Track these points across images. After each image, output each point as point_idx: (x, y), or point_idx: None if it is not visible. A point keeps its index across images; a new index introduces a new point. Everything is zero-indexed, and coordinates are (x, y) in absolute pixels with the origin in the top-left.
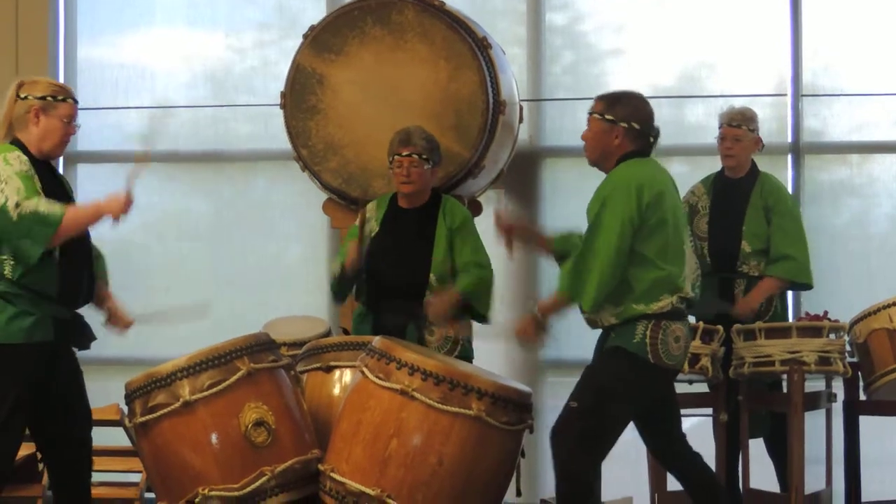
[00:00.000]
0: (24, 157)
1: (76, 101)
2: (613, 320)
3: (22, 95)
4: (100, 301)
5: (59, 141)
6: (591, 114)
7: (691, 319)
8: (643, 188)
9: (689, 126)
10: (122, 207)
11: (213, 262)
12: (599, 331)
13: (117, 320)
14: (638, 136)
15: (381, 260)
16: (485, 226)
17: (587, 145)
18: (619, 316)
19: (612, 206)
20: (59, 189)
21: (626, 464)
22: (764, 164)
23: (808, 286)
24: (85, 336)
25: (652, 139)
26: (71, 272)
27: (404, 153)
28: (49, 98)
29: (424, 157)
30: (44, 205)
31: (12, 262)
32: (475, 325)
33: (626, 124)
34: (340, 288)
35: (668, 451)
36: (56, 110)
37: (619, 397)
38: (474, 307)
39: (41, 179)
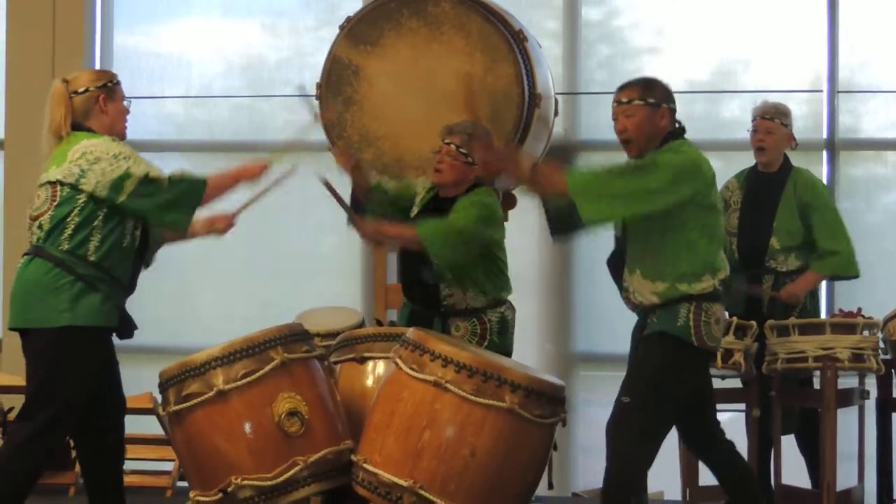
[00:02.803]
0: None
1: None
2: (655, 300)
3: (80, 90)
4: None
5: (124, 123)
6: (626, 103)
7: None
8: (707, 167)
9: (724, 121)
10: (260, 170)
11: (247, 251)
12: (631, 323)
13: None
14: (673, 117)
15: (409, 249)
16: (519, 219)
17: (632, 134)
18: (663, 296)
19: (679, 173)
20: None
21: (658, 458)
22: (799, 160)
23: (856, 276)
24: (127, 326)
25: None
26: (140, 258)
27: (445, 141)
28: (108, 84)
29: (463, 150)
30: (183, 172)
31: (98, 243)
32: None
33: (667, 105)
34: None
35: (702, 438)
36: (116, 94)
37: (670, 386)
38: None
39: None
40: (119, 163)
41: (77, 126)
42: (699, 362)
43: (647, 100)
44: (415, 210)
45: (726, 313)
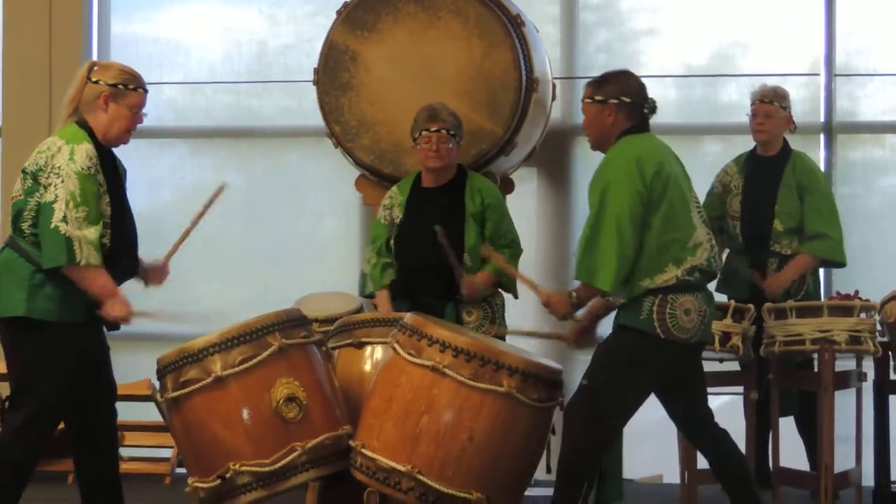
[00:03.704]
0: (93, 151)
1: (146, 91)
2: (622, 300)
3: (94, 79)
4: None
5: (126, 129)
6: (583, 101)
7: (723, 298)
8: (643, 160)
9: (723, 105)
10: (121, 316)
11: (245, 237)
12: None
13: (155, 276)
14: (630, 111)
15: (412, 244)
16: (517, 204)
17: (587, 133)
18: (628, 295)
19: (616, 183)
20: (116, 177)
21: (657, 442)
22: (797, 143)
23: (842, 264)
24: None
25: (646, 111)
26: (116, 261)
27: (433, 128)
28: (120, 86)
29: (452, 132)
30: (81, 240)
31: None
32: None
33: (615, 100)
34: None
35: (693, 427)
36: (125, 99)
37: (629, 374)
38: (504, 284)
39: (104, 168)
40: (50, 178)
41: (80, 116)
42: (669, 354)
43: (595, 97)
44: (398, 214)
45: (725, 299)
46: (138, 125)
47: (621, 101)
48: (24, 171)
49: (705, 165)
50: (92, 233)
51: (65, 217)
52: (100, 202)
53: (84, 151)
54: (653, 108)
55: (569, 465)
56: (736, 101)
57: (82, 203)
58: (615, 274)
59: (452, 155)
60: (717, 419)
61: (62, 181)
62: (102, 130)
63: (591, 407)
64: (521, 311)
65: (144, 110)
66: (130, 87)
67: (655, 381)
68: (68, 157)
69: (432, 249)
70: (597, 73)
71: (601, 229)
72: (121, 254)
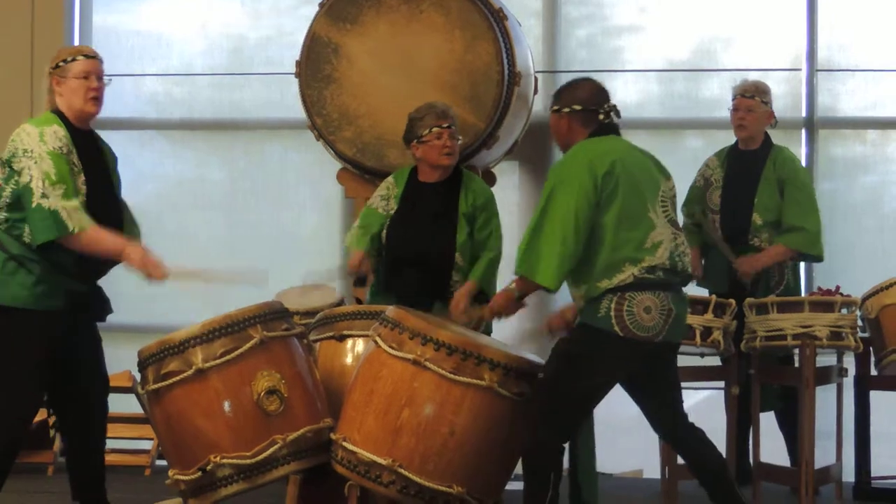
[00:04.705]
0: (63, 132)
1: (90, 57)
2: (582, 302)
3: (48, 71)
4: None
5: (85, 98)
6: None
7: (703, 293)
8: (594, 161)
9: (704, 100)
10: (155, 273)
11: (227, 230)
12: None
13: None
14: (584, 117)
15: (404, 237)
16: (499, 197)
17: (555, 139)
18: (586, 296)
19: (565, 183)
20: (97, 159)
21: (637, 436)
22: (778, 138)
23: (819, 258)
24: (102, 309)
25: (602, 116)
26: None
27: (444, 125)
28: (60, 63)
29: (455, 129)
30: (67, 209)
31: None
32: None
33: (567, 109)
34: (356, 281)
35: (666, 428)
36: (69, 71)
37: (580, 366)
38: (485, 291)
39: (81, 150)
40: (23, 161)
41: (54, 106)
42: (627, 352)
43: (553, 108)
44: (394, 206)
45: (706, 293)
46: (104, 90)
47: (572, 109)
48: (1, 160)
49: (687, 160)
50: (74, 202)
51: (44, 194)
52: (76, 181)
53: (52, 132)
54: (611, 113)
55: (530, 458)
56: (717, 95)
57: (58, 181)
58: (555, 271)
59: (459, 152)
60: (697, 414)
61: (35, 163)
62: (67, 109)
63: (544, 398)
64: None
65: (106, 78)
66: (69, 59)
67: (610, 377)
68: (38, 138)
69: (425, 244)
70: (578, 67)
71: (543, 226)
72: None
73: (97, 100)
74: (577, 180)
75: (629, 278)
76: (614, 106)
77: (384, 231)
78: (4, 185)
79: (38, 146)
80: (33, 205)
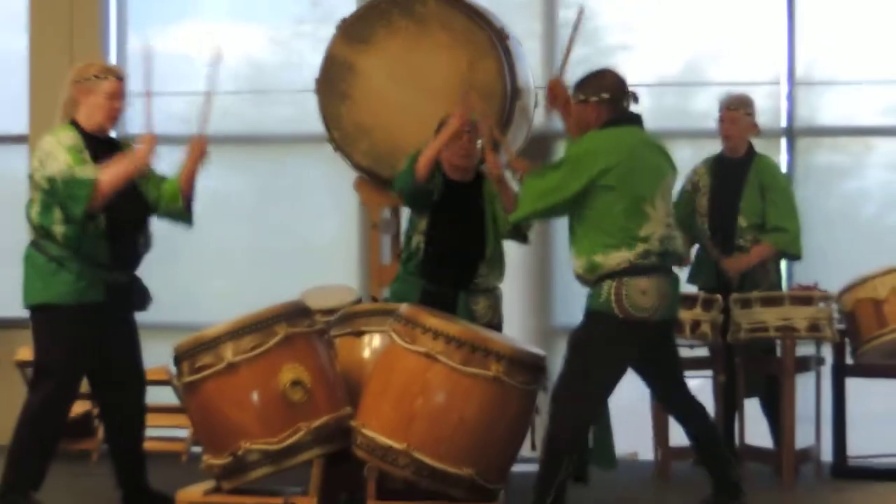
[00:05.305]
0: (77, 137)
1: (120, 79)
2: (580, 272)
3: (73, 80)
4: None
5: (106, 116)
6: (571, 99)
7: (692, 289)
8: (598, 155)
9: (693, 113)
10: (146, 152)
11: (250, 239)
12: None
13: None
14: (612, 105)
15: (442, 230)
16: None
17: (578, 128)
18: (584, 268)
19: (574, 164)
20: (111, 155)
21: (631, 419)
22: (760, 147)
23: (798, 257)
24: (142, 298)
25: (625, 104)
26: (121, 239)
27: (465, 129)
28: (92, 77)
29: (475, 135)
30: (81, 170)
31: (63, 229)
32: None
33: (596, 97)
34: (415, 198)
35: (670, 397)
36: (99, 87)
37: (598, 355)
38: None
39: (97, 153)
40: (48, 162)
41: (71, 118)
42: (631, 333)
43: (578, 97)
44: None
45: (696, 289)
46: (120, 113)
47: (601, 97)
48: (29, 177)
49: (677, 167)
50: (82, 168)
51: (65, 177)
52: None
53: (67, 135)
54: (634, 100)
55: (556, 443)
56: (706, 108)
57: (76, 164)
58: (522, 216)
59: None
60: None
61: (54, 159)
62: (85, 121)
63: (572, 389)
64: (521, 304)
65: (128, 99)
66: (101, 77)
67: (624, 359)
68: (55, 140)
69: (460, 240)
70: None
71: (545, 175)
72: (130, 242)
73: (116, 119)
74: (583, 168)
75: (625, 263)
76: (634, 93)
77: (425, 224)
78: (34, 197)
79: (55, 146)
80: (60, 185)
